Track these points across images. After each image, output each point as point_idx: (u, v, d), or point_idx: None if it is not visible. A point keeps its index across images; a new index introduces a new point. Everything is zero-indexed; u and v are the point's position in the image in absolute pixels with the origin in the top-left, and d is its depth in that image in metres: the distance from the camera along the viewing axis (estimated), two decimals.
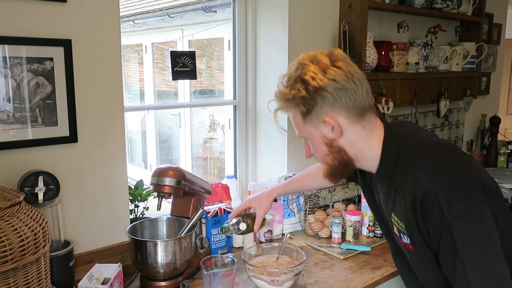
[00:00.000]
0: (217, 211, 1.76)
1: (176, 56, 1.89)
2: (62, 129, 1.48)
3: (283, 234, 1.97)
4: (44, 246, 1.11)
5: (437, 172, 0.97)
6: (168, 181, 1.55)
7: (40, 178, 1.36)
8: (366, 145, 1.08)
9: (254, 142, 2.31)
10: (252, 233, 1.78)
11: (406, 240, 1.08)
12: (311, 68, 1.02)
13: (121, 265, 1.44)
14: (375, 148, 1.08)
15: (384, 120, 1.12)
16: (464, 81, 2.88)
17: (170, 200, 1.71)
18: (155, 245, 1.46)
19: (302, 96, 1.03)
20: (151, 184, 1.58)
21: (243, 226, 1.49)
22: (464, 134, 3.33)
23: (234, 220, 1.51)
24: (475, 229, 0.93)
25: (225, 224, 1.52)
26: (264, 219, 1.52)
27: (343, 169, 1.11)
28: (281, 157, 2.19)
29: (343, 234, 1.94)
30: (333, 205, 2.04)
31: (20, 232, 1.04)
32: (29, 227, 1.07)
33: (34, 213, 1.13)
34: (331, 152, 1.09)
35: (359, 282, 1.56)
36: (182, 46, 5.02)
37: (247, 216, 1.52)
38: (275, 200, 1.97)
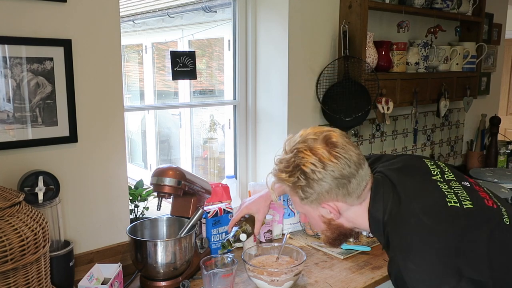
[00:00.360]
0: (217, 211, 1.76)
1: (176, 56, 1.89)
2: (62, 129, 1.48)
3: (283, 234, 1.97)
4: (44, 246, 1.11)
5: (409, 263, 0.96)
6: (168, 181, 1.55)
7: (40, 178, 1.36)
8: (363, 218, 1.13)
9: (254, 142, 2.31)
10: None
11: None
12: (310, 159, 1.05)
13: (121, 265, 1.44)
14: (366, 216, 1.13)
15: (372, 180, 1.13)
16: (464, 81, 2.88)
17: (170, 200, 1.71)
18: (155, 245, 1.46)
19: (301, 185, 1.07)
20: (151, 184, 1.58)
21: (243, 237, 1.49)
22: (464, 134, 3.33)
23: (232, 233, 1.50)
24: None
25: (225, 241, 1.51)
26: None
27: (343, 239, 1.19)
28: None
29: None
30: None
31: (20, 232, 1.04)
32: (29, 227, 1.07)
33: (34, 213, 1.13)
34: (329, 228, 1.15)
35: (359, 282, 1.56)
36: (182, 46, 5.02)
37: (246, 221, 1.52)
38: None
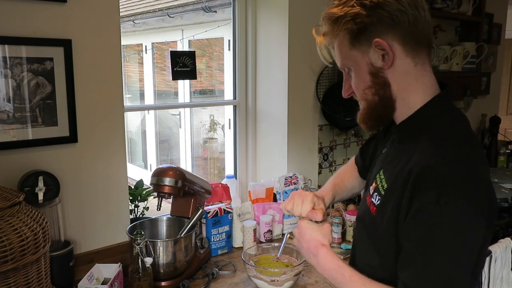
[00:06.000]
0: (217, 211, 1.76)
1: (176, 56, 1.89)
2: (62, 129, 1.48)
3: (283, 234, 1.97)
4: (44, 246, 1.11)
5: (451, 163, 0.87)
6: (168, 181, 1.55)
7: (40, 178, 1.36)
8: (412, 87, 0.96)
9: (254, 142, 2.31)
10: (252, 233, 1.78)
11: (375, 200, 1.00)
12: None
13: (121, 265, 1.44)
14: (419, 97, 0.96)
15: (448, 87, 1.01)
16: (464, 81, 2.87)
17: (170, 200, 1.71)
18: (155, 245, 1.46)
19: (356, 12, 0.91)
20: (151, 184, 1.58)
21: None
22: None
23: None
24: (461, 233, 0.84)
25: None
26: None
27: (381, 110, 0.98)
28: (281, 157, 2.19)
29: (343, 234, 1.94)
30: (333, 205, 2.04)
31: (20, 232, 1.04)
32: (29, 227, 1.07)
33: (34, 213, 1.13)
34: (374, 84, 0.96)
35: None
36: (182, 46, 5.03)
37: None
38: (275, 200, 1.98)
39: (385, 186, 0.97)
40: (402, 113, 0.99)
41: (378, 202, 0.98)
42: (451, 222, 0.83)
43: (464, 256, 0.85)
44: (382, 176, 1.00)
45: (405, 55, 0.93)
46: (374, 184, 1.03)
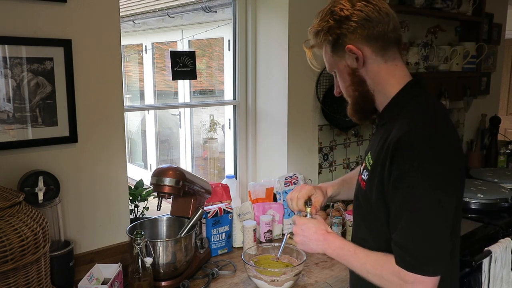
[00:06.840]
0: (217, 211, 1.76)
1: (176, 56, 1.89)
2: (62, 129, 1.48)
3: (283, 234, 1.97)
4: (44, 246, 1.11)
5: (422, 131, 1.01)
6: (168, 181, 1.55)
7: (40, 178, 1.36)
8: (385, 80, 1.12)
9: (254, 142, 2.31)
10: (252, 233, 1.78)
11: (364, 176, 1.15)
12: (342, 1, 1.11)
13: (121, 265, 1.44)
14: (393, 87, 1.12)
15: (419, 75, 1.17)
16: (464, 81, 2.87)
17: (170, 200, 1.71)
18: (155, 245, 1.46)
19: (330, 26, 1.11)
20: (151, 184, 1.58)
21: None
22: (464, 134, 3.33)
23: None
24: (436, 194, 0.98)
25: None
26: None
27: (362, 103, 1.17)
28: (281, 157, 2.19)
29: (343, 234, 1.94)
30: (333, 205, 2.04)
31: (20, 232, 1.04)
32: (29, 227, 1.07)
33: (34, 213, 1.13)
34: (353, 82, 1.14)
35: None
36: (182, 46, 5.03)
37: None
38: (275, 200, 1.97)
39: (371, 162, 1.12)
40: (382, 103, 1.15)
41: (367, 177, 1.13)
42: (427, 183, 0.98)
43: (442, 212, 0.99)
44: (369, 155, 1.15)
45: (374, 55, 1.10)
46: (363, 164, 1.18)
